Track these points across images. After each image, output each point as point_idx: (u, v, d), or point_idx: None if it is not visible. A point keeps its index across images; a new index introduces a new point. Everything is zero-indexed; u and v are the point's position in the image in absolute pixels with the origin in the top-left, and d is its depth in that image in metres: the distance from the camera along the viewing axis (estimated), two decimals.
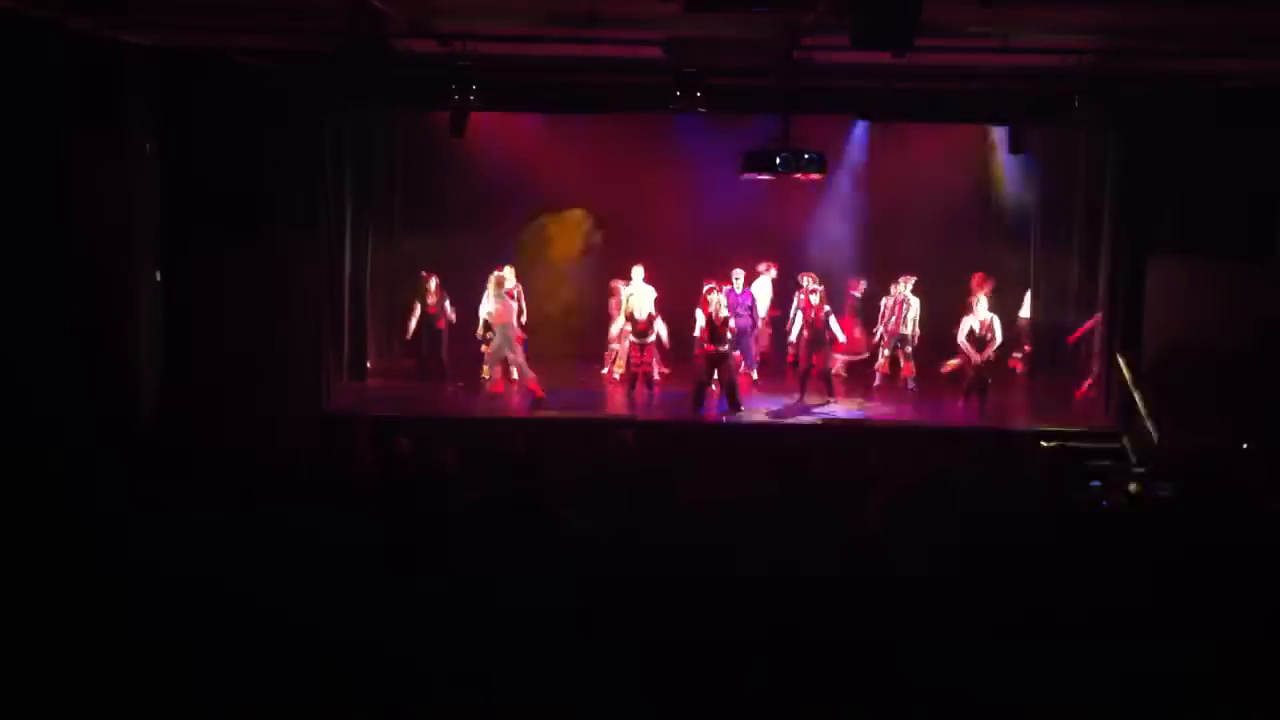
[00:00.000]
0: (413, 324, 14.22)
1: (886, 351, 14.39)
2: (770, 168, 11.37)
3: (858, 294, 15.12)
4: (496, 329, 13.84)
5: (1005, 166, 15.22)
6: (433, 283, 14.18)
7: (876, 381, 14.46)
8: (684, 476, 6.18)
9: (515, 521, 5.51)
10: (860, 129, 15.34)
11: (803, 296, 13.95)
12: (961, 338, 13.46)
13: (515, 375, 14.16)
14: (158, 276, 11.25)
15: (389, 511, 5.88)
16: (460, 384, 14.09)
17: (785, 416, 13.23)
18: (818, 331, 13.67)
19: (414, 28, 9.62)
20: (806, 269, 14.49)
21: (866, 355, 14.85)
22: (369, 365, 14.81)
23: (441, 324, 14.18)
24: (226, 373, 11.14)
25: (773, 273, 15.13)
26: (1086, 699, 4.32)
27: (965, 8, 8.06)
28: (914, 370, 14.24)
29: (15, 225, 8.85)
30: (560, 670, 4.33)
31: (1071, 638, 4.48)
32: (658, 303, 14.09)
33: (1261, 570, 5.00)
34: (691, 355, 13.66)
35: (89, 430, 9.32)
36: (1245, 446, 10.12)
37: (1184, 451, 9.87)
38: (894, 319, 14.21)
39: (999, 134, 14.11)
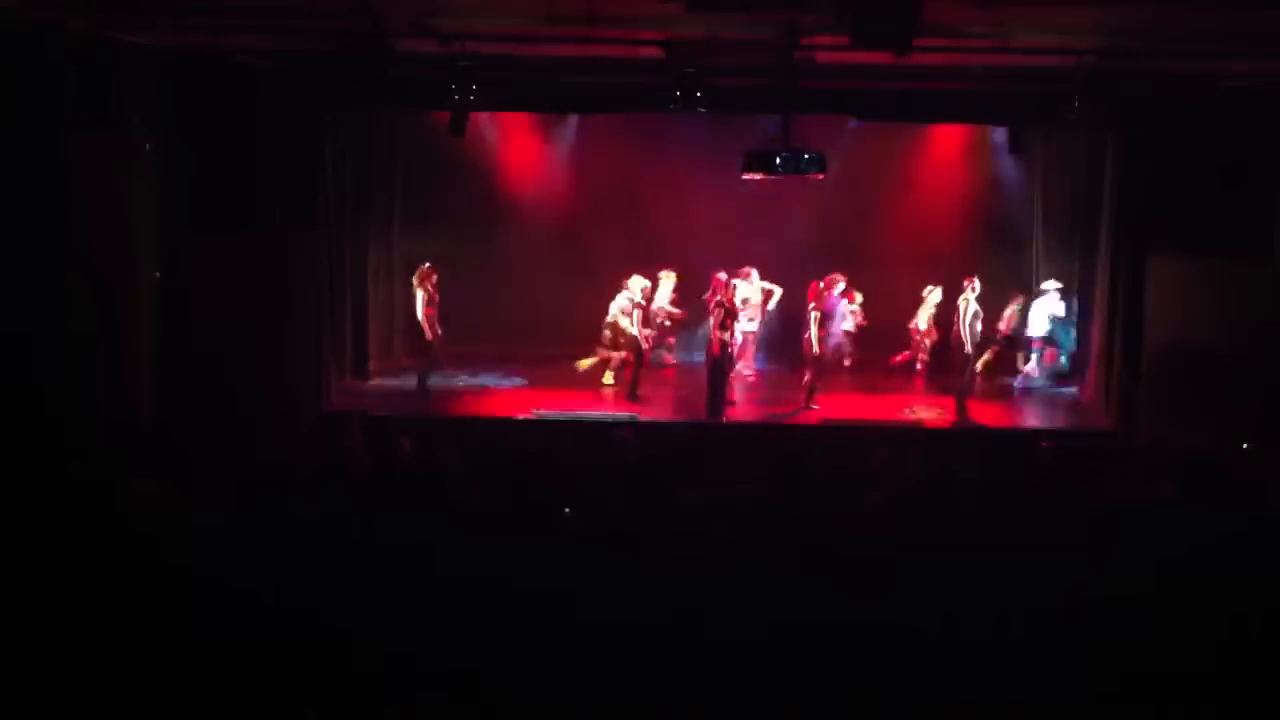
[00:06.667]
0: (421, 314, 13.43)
1: None
2: (770, 168, 11.35)
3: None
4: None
5: (1005, 167, 15.21)
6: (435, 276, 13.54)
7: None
8: (684, 476, 6.18)
9: (516, 521, 5.52)
10: (860, 128, 15.30)
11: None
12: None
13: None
14: (158, 276, 11.25)
15: (389, 511, 5.88)
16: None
17: (785, 416, 13.23)
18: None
19: (414, 28, 9.62)
20: (800, 270, 14.49)
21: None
22: (369, 365, 14.79)
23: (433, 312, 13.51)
24: (226, 372, 11.13)
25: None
26: (1086, 697, 4.33)
27: (965, 8, 8.06)
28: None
29: (15, 225, 8.85)
30: (560, 669, 4.34)
31: (1071, 637, 4.49)
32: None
33: (1261, 570, 5.01)
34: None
35: (89, 430, 9.32)
36: (1245, 446, 10.11)
37: (1184, 451, 9.85)
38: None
39: (999, 134, 14.09)
